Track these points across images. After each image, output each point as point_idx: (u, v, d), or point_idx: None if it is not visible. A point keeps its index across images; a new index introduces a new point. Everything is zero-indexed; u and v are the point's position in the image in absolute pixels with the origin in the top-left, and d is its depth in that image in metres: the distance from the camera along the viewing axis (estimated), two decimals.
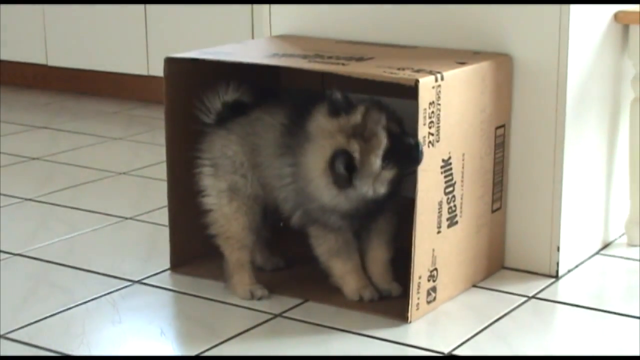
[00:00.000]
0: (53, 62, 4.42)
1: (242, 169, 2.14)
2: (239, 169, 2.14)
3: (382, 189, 1.97)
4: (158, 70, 4.06)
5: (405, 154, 1.95)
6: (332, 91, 1.97)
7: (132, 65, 4.18)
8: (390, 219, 2.09)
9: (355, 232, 2.10)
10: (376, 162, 1.95)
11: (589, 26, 2.23)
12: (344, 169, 1.94)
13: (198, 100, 2.15)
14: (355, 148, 1.94)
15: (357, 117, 1.96)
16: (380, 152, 1.95)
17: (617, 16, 2.32)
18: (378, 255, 2.12)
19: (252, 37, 3.78)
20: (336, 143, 1.95)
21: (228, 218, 2.16)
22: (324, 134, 1.98)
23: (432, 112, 1.97)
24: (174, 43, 3.90)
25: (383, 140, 1.95)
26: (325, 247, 2.09)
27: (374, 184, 1.97)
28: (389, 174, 1.96)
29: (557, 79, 2.18)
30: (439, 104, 1.99)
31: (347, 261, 2.10)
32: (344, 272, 2.11)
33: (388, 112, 1.99)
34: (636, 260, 2.35)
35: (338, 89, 1.97)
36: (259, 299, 2.14)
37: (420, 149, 1.94)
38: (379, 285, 2.13)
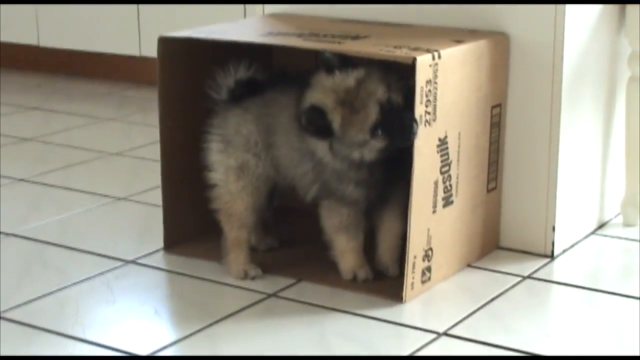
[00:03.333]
0: (45, 43, 4.39)
1: (256, 148, 2.13)
2: (252, 148, 2.13)
3: (370, 156, 1.96)
4: (150, 51, 4.07)
5: (398, 130, 1.93)
6: (324, 51, 1.97)
7: (124, 46, 4.16)
8: (402, 190, 2.03)
9: (367, 209, 2.08)
10: (358, 135, 1.94)
11: (585, 5, 2.22)
12: (311, 126, 1.95)
13: (205, 78, 2.12)
14: (336, 118, 1.93)
15: (350, 80, 1.95)
16: (366, 126, 1.93)
17: None
18: (392, 226, 2.10)
19: (245, 16, 3.76)
20: (322, 99, 1.95)
21: (233, 196, 2.14)
22: (318, 87, 1.97)
23: (429, 90, 1.96)
24: (166, 23, 3.88)
25: (372, 116, 1.93)
26: (336, 220, 2.08)
27: (360, 150, 1.96)
28: (379, 144, 1.95)
29: (553, 58, 2.17)
30: (436, 83, 1.97)
31: (352, 239, 2.09)
32: (346, 249, 2.10)
33: (394, 80, 1.96)
34: (632, 240, 2.34)
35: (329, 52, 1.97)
36: (253, 278, 2.13)
37: (413, 130, 1.92)
38: (381, 259, 2.12)
